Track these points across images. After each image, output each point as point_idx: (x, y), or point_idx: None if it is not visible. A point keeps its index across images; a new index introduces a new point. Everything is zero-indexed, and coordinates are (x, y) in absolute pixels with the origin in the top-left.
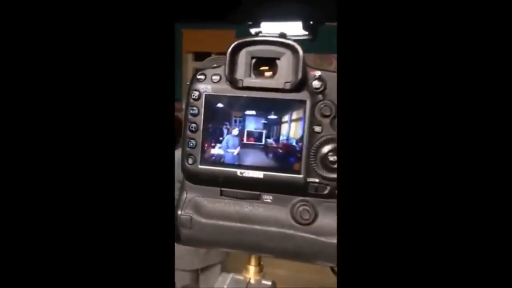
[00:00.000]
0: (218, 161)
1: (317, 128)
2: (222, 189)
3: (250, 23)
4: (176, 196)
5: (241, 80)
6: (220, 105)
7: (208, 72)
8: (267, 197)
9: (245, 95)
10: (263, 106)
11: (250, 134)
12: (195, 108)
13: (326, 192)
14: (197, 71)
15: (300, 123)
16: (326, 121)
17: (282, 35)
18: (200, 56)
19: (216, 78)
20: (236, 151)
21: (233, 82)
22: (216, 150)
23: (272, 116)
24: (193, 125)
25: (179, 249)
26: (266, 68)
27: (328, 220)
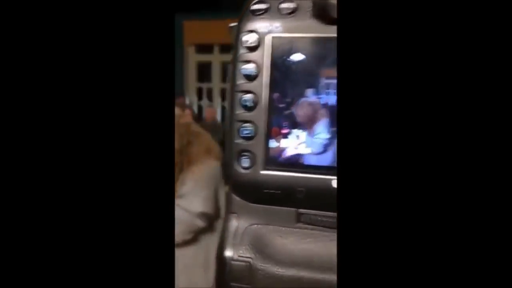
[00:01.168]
0: (296, 161)
1: None
2: (301, 211)
3: None
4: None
5: None
6: (299, 56)
7: None
8: None
9: None
10: None
11: None
12: (251, 65)
13: None
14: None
15: None
16: None
17: None
18: (203, 48)
19: (289, 5)
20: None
21: (326, 11)
22: (294, 142)
23: None
24: (249, 97)
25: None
26: None
27: None
